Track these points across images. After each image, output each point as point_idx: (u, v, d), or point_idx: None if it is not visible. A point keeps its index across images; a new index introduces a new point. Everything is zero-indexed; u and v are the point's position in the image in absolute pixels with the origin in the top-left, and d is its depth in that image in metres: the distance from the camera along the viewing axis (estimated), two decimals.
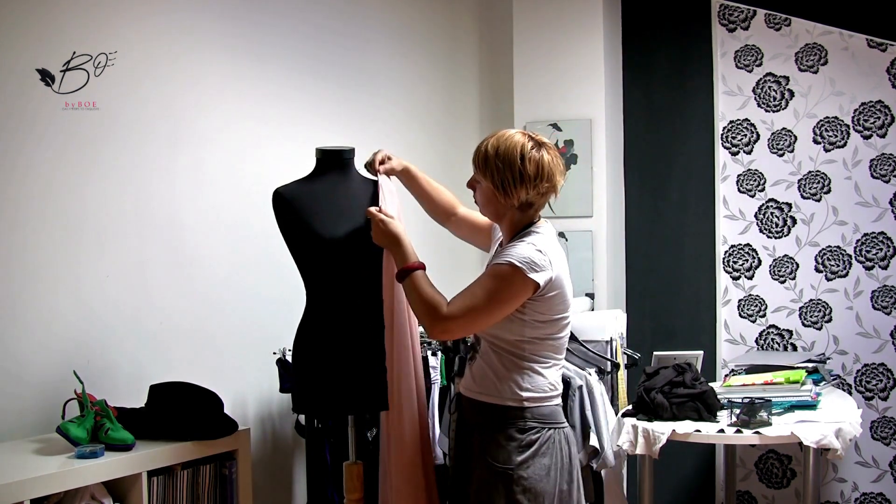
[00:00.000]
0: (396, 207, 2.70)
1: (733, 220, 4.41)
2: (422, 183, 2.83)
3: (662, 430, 3.17)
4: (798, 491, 4.27)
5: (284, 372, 3.19)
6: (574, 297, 4.19)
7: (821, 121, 4.23)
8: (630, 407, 3.41)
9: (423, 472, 2.71)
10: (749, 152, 4.37)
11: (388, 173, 2.75)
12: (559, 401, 2.51)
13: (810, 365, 3.73)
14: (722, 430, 3.18)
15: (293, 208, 2.68)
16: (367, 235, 2.60)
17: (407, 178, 2.83)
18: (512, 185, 2.43)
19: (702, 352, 3.79)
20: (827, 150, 4.23)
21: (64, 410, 2.56)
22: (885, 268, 4.15)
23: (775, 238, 4.34)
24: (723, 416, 3.28)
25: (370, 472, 2.98)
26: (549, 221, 2.56)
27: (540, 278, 2.38)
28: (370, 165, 2.76)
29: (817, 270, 4.26)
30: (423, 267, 2.51)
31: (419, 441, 2.71)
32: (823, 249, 4.24)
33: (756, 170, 4.35)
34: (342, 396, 2.70)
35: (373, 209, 2.60)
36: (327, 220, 2.66)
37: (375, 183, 2.74)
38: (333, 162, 2.78)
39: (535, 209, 2.51)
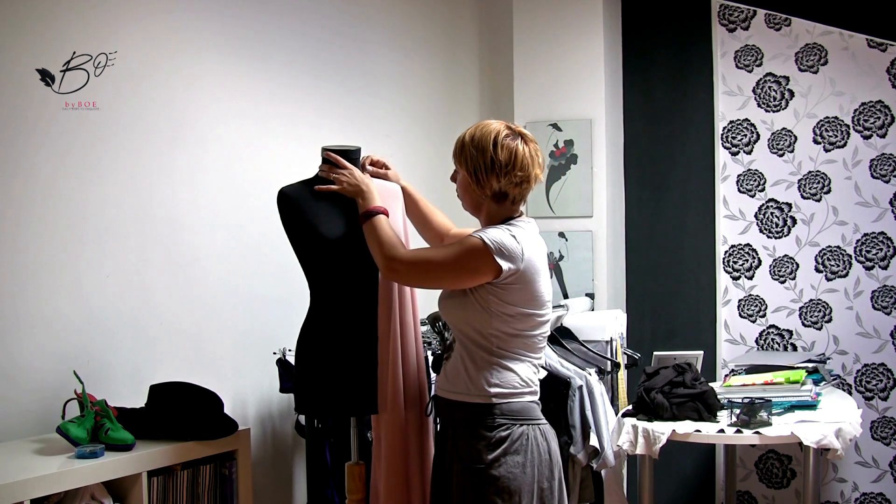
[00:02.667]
0: (400, 213, 2.69)
1: (733, 220, 4.41)
2: (419, 203, 2.81)
3: (662, 430, 3.17)
4: (798, 491, 4.27)
5: (284, 372, 3.19)
6: (574, 298, 4.27)
7: (821, 121, 4.23)
8: (630, 407, 3.41)
9: (418, 473, 2.67)
10: (749, 152, 4.37)
11: (378, 176, 2.73)
12: (533, 397, 2.47)
13: (810, 365, 3.73)
14: (722, 430, 3.18)
15: (298, 208, 2.67)
16: None
17: (404, 196, 2.79)
18: (483, 173, 2.43)
19: (702, 352, 3.79)
20: (827, 150, 4.22)
21: (64, 410, 2.56)
22: (885, 268, 4.15)
23: (775, 238, 4.33)
24: (723, 416, 3.27)
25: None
26: (534, 220, 2.54)
27: (505, 265, 2.36)
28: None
29: (817, 270, 4.26)
30: (386, 213, 2.54)
31: (417, 441, 2.68)
32: (823, 249, 4.24)
33: (756, 170, 4.35)
34: (346, 397, 2.69)
35: (335, 154, 2.64)
36: (332, 220, 2.65)
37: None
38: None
39: (513, 201, 2.48)
